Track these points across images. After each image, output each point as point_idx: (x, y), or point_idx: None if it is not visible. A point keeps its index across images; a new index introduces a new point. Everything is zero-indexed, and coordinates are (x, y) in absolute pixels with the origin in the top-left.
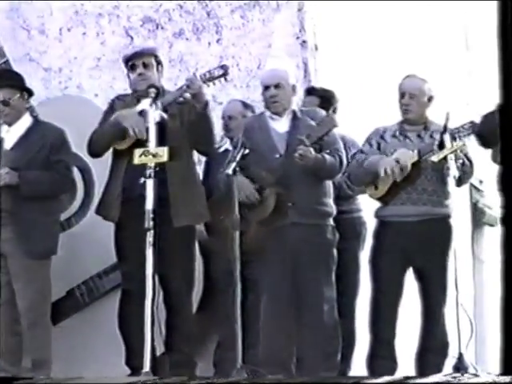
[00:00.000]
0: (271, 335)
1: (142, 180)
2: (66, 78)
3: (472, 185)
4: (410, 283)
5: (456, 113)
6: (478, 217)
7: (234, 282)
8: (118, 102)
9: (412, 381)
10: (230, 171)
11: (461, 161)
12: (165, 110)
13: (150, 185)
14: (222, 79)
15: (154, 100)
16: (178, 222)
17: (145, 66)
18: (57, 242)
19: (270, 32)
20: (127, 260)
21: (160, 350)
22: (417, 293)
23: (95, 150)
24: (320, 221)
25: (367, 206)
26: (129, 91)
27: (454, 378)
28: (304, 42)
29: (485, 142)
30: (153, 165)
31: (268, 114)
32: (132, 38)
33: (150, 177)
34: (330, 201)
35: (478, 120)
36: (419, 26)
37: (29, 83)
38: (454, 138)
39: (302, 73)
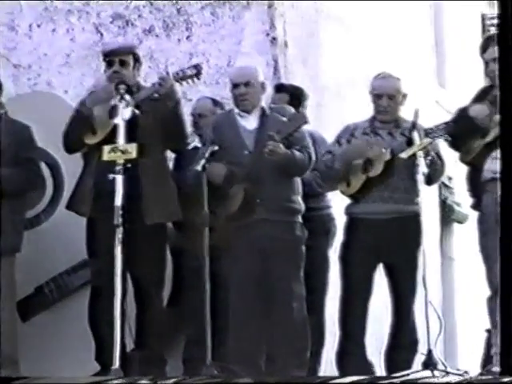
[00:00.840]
0: (241, 332)
1: (111, 176)
2: (36, 75)
3: (441, 182)
4: (380, 280)
5: (425, 110)
6: (447, 214)
7: (203, 278)
8: (90, 97)
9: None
10: (199, 168)
11: (430, 158)
12: (138, 106)
13: (119, 181)
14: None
15: (123, 97)
16: (149, 220)
17: (121, 63)
18: (21, 239)
19: (240, 29)
20: (97, 256)
21: (130, 346)
22: (387, 290)
23: (69, 146)
24: (289, 218)
25: (337, 203)
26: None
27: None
28: (274, 39)
29: (454, 141)
30: (122, 161)
31: (237, 111)
32: (102, 34)
33: (119, 173)
34: (299, 198)
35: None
36: (388, 22)
37: None
38: (426, 136)
39: (272, 70)
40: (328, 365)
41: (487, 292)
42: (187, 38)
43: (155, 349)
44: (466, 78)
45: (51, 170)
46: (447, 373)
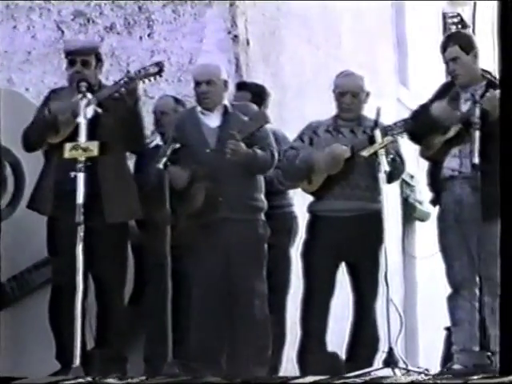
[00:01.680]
0: (202, 330)
1: (73, 174)
2: None
3: (403, 180)
4: (342, 278)
5: (387, 109)
6: (408, 212)
7: (164, 276)
8: (53, 96)
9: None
10: (161, 166)
11: (391, 156)
12: (100, 105)
13: (80, 179)
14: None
15: (85, 95)
16: (111, 219)
17: (84, 63)
18: None
19: (202, 27)
20: (59, 254)
21: (90, 344)
22: (348, 288)
23: (30, 145)
24: (251, 216)
25: (299, 201)
26: (59, 85)
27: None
28: (235, 36)
29: (414, 137)
30: (83, 159)
31: (199, 109)
32: (63, 31)
33: (80, 171)
34: (261, 196)
35: (408, 116)
36: (350, 20)
37: None
38: (386, 135)
39: (234, 68)
40: (289, 363)
41: (448, 290)
42: (149, 35)
43: (116, 347)
44: (427, 76)
45: (12, 168)
46: (408, 371)
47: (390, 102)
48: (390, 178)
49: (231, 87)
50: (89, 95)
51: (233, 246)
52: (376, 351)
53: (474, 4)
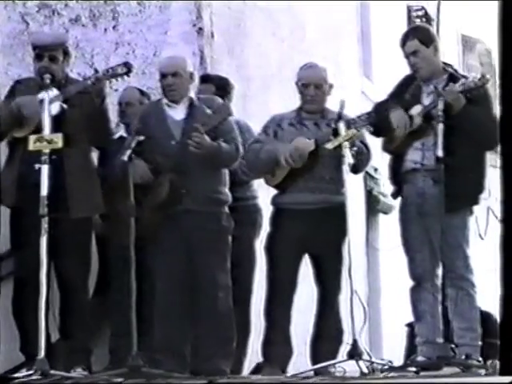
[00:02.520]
0: (166, 322)
1: (37, 166)
2: None
3: (367, 173)
4: (306, 270)
5: (351, 101)
6: (372, 205)
7: (128, 268)
8: (18, 87)
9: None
10: (125, 158)
11: (356, 148)
12: (66, 100)
13: (44, 171)
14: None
15: (50, 89)
16: (74, 214)
17: (51, 58)
18: None
19: (167, 19)
20: (22, 247)
21: (55, 336)
22: (312, 280)
23: None
24: (215, 208)
25: (263, 194)
26: (24, 76)
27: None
28: (200, 29)
29: (376, 130)
30: (48, 151)
31: (165, 101)
32: (28, 23)
33: (45, 163)
34: (226, 189)
35: (371, 109)
36: (314, 13)
37: None
38: (349, 128)
39: (198, 60)
40: (254, 355)
41: (411, 282)
42: (114, 27)
43: (80, 339)
44: (391, 69)
45: None
46: (372, 362)
47: (354, 95)
48: (355, 169)
49: (196, 80)
50: (55, 90)
51: (196, 238)
52: (340, 343)
53: None
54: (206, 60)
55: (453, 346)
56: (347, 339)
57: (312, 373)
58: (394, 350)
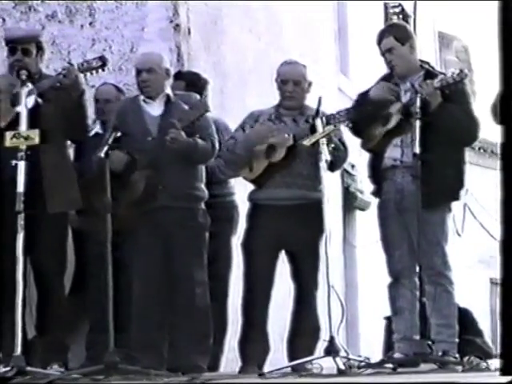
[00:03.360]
0: (143, 319)
1: (14, 162)
2: None
3: (344, 169)
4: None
5: (328, 98)
6: (349, 201)
7: (105, 264)
8: None
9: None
10: (102, 154)
11: (333, 145)
12: (41, 94)
13: (21, 167)
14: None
15: (25, 84)
16: (51, 209)
17: (24, 52)
18: None
19: (144, 15)
20: None
21: (31, 333)
22: (289, 277)
23: None
24: (191, 204)
25: (240, 190)
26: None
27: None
28: (177, 25)
29: (355, 126)
30: (24, 147)
31: (142, 97)
32: (4, 19)
33: (22, 159)
34: (202, 185)
35: (350, 105)
36: (291, 9)
37: None
38: (327, 124)
39: (175, 56)
40: (231, 352)
41: (388, 278)
42: (90, 24)
43: (57, 335)
44: (368, 66)
45: None
46: (348, 359)
47: (331, 92)
48: (333, 166)
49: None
50: (29, 85)
51: (172, 234)
52: (317, 340)
53: None
54: (183, 56)
55: (430, 342)
56: (324, 336)
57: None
58: (371, 347)
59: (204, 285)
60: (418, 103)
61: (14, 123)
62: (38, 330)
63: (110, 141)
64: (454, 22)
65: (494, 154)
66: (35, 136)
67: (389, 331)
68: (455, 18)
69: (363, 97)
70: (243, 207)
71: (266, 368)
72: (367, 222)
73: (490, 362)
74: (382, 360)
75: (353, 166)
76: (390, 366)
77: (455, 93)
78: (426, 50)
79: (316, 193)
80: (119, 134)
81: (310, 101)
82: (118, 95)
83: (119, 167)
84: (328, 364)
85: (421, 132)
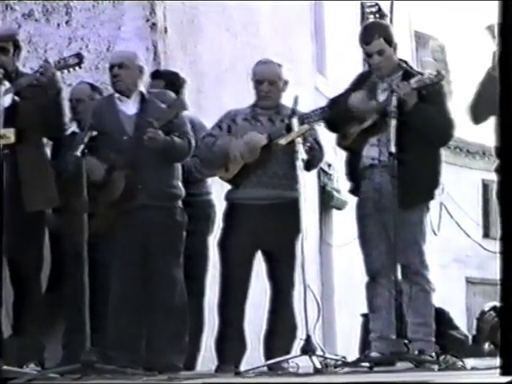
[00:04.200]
0: (120, 318)
1: None
2: None
3: (320, 168)
4: (260, 266)
5: (305, 97)
6: (326, 200)
7: (82, 264)
8: None
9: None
10: (78, 153)
11: (309, 144)
12: (18, 93)
13: None
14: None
15: (1, 82)
16: (29, 207)
17: (1, 50)
18: None
19: (120, 14)
20: None
21: (7, 332)
22: (265, 275)
23: None
24: (169, 203)
25: (217, 189)
26: None
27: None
28: (154, 24)
29: (331, 125)
30: (0, 146)
31: (117, 95)
32: None
33: None
34: (179, 183)
35: (325, 104)
36: (268, 8)
37: None
38: (303, 123)
39: (152, 55)
40: (207, 351)
41: (365, 278)
42: (67, 22)
43: (33, 335)
44: (345, 65)
45: None
46: (325, 358)
47: (308, 91)
48: (309, 166)
49: (148, 75)
50: (6, 83)
51: (150, 232)
52: (293, 339)
53: None
54: (160, 55)
55: (406, 341)
56: (301, 335)
57: (266, 368)
58: (347, 345)
59: (180, 283)
60: (394, 103)
61: None
62: (14, 329)
63: (86, 139)
64: (430, 21)
65: (470, 153)
66: (11, 135)
67: (365, 329)
68: (431, 18)
69: (340, 99)
70: (220, 207)
71: (243, 367)
72: (344, 221)
73: (466, 360)
74: (359, 359)
75: (329, 165)
76: (367, 364)
77: (431, 93)
78: (402, 49)
79: (292, 192)
80: (95, 133)
81: (287, 100)
82: (92, 94)
83: (99, 177)
84: (304, 363)
85: (397, 131)
